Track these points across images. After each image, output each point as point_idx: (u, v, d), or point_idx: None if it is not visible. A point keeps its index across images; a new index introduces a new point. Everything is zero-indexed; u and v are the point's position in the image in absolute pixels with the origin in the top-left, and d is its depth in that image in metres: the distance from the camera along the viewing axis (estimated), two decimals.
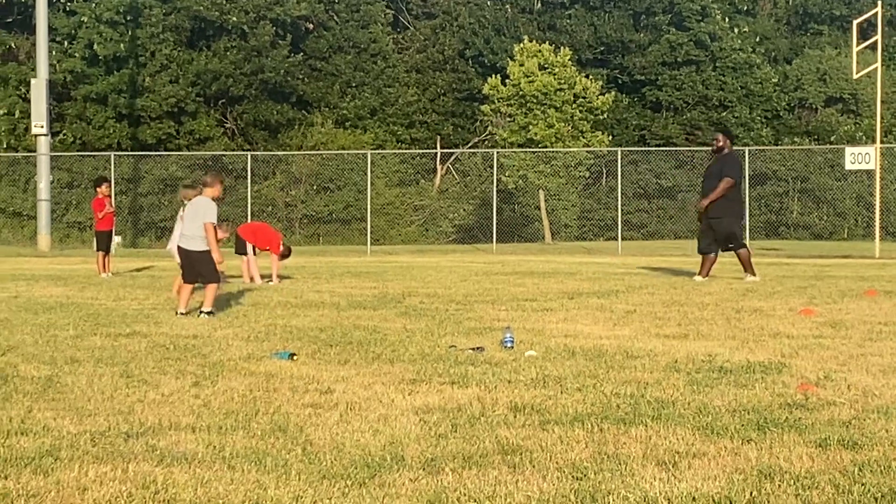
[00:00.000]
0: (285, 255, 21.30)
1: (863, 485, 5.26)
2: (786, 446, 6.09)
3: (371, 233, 42.49)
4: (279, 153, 55.46)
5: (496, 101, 51.82)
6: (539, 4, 66.96)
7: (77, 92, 57.31)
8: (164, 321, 13.11)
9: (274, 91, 60.02)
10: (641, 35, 65.05)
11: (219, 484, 5.33)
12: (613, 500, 5.06)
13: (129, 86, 56.88)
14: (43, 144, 41.44)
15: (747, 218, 34.69)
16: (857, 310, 14.23)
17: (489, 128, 55.60)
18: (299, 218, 55.53)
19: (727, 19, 64.91)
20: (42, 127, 40.62)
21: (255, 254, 20.79)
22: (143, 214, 53.49)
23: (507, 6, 66.68)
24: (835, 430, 6.51)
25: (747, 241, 26.10)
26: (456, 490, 5.21)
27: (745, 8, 69.81)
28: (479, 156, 56.78)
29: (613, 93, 56.60)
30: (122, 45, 56.75)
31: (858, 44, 35.92)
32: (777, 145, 58.66)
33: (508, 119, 51.82)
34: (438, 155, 60.23)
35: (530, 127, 50.27)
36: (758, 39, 66.94)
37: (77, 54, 57.07)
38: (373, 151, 49.55)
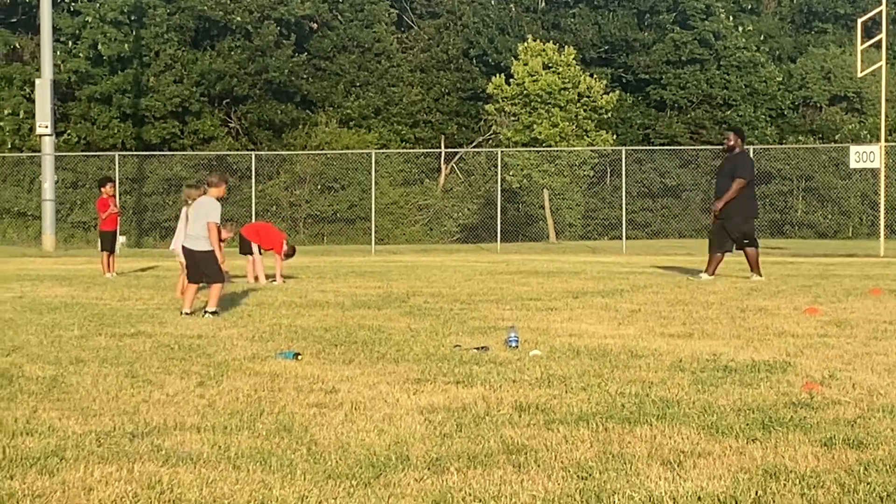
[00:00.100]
0: (289, 255, 21.30)
1: (868, 484, 5.26)
2: (791, 445, 6.09)
3: (375, 232, 42.51)
4: (283, 153, 55.47)
5: (500, 100, 51.80)
6: (543, 3, 66.94)
7: (81, 92, 57.34)
8: (168, 321, 13.12)
9: (278, 91, 60.03)
10: (646, 34, 65.01)
11: (224, 484, 5.33)
12: (618, 500, 5.06)
13: (133, 86, 56.90)
14: (47, 144, 41.45)
15: None
16: (861, 308, 14.22)
17: (493, 127, 55.55)
18: (303, 217, 55.54)
19: (731, 18, 64.88)
20: (46, 127, 40.63)
21: (260, 254, 20.79)
22: (147, 214, 53.51)
23: (512, 5, 66.67)
24: (840, 429, 6.51)
25: None
26: (461, 490, 5.21)
27: (750, 6, 69.76)
28: (483, 155, 56.77)
29: (617, 92, 56.57)
30: (126, 45, 56.77)
31: (863, 42, 35.87)
32: (781, 144, 58.63)
33: (512, 118, 51.80)
34: (442, 154, 60.23)
35: (534, 126, 50.24)
36: (762, 38, 66.90)
37: (81, 54, 57.11)
38: (377, 151, 49.53)
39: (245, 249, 21.00)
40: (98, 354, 9.98)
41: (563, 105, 50.26)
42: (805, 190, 55.92)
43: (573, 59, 51.63)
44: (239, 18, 59.26)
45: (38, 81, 41.69)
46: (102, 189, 24.75)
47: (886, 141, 36.47)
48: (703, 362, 9.25)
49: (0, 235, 51.86)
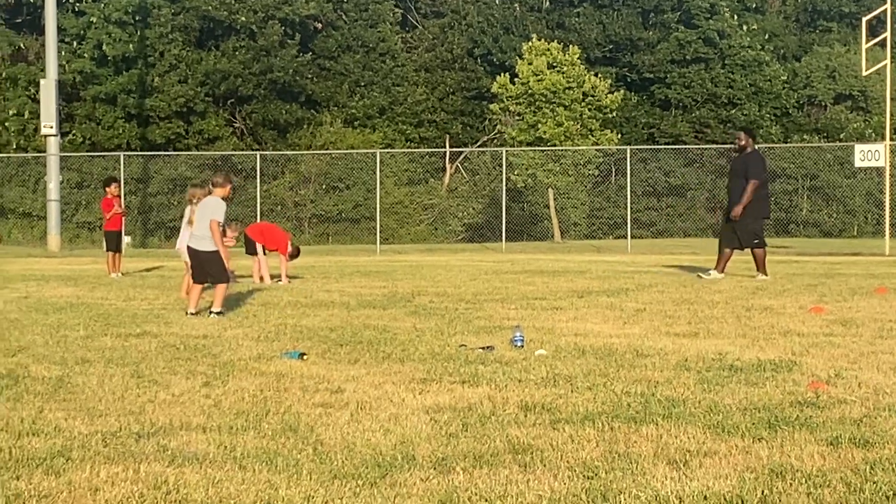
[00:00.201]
0: (293, 256, 21.30)
1: (874, 483, 5.25)
2: (797, 444, 6.09)
3: (380, 232, 42.50)
4: (288, 153, 55.47)
5: (505, 99, 51.77)
6: (548, 3, 66.91)
7: (86, 92, 57.39)
8: (174, 321, 13.13)
9: (283, 91, 60.04)
10: (650, 33, 64.96)
11: (230, 484, 5.33)
12: (624, 500, 5.06)
13: (138, 86, 56.94)
14: (52, 145, 41.48)
15: None
16: (867, 307, 14.21)
17: (498, 126, 55.54)
18: (308, 217, 55.56)
19: (736, 17, 64.77)
20: (51, 127, 40.66)
21: (264, 254, 20.80)
22: (152, 214, 53.53)
23: (516, 4, 66.63)
24: (846, 428, 6.50)
25: None
26: (467, 490, 5.21)
27: (754, 5, 69.64)
28: (488, 154, 56.74)
29: (622, 91, 56.54)
30: (130, 45, 56.81)
31: (867, 41, 35.84)
32: (786, 143, 58.54)
33: (517, 118, 51.77)
34: (447, 154, 60.21)
35: (539, 125, 50.21)
36: (767, 37, 66.79)
37: (86, 55, 57.16)
38: (382, 150, 49.53)
39: (250, 250, 21.02)
40: (104, 355, 9.99)
41: (567, 104, 50.23)
42: (810, 189, 55.88)
43: (578, 58, 51.58)
44: (243, 18, 59.27)
45: (42, 82, 41.74)
46: (107, 189, 24.75)
47: (891, 139, 36.45)
48: (708, 361, 9.25)
49: (6, 235, 51.92)
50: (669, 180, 54.55)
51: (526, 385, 8.13)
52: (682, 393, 7.73)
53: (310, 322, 12.81)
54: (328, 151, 55.68)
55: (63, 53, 52.69)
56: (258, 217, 41.38)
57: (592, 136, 50.76)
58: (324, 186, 56.15)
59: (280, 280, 20.34)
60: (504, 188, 44.01)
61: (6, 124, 55.53)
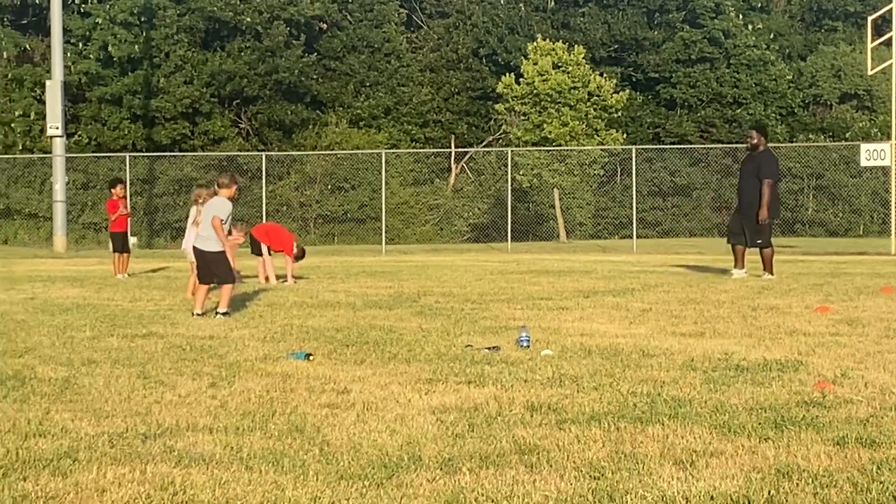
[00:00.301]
0: (299, 257, 21.31)
1: (881, 483, 5.25)
2: (803, 444, 6.08)
3: (386, 232, 42.52)
4: (294, 153, 55.51)
5: (510, 99, 51.78)
6: (553, 3, 66.89)
7: (92, 93, 57.46)
8: (180, 322, 13.13)
9: (288, 91, 60.08)
10: (655, 32, 64.95)
11: (237, 485, 5.34)
12: (631, 500, 5.06)
13: (143, 87, 57.02)
14: (58, 146, 41.52)
15: None
16: (873, 307, 14.20)
17: (503, 126, 55.53)
18: (314, 218, 55.59)
19: (741, 16, 64.77)
20: (57, 128, 40.70)
21: (270, 254, 20.80)
22: (158, 215, 53.60)
23: (521, 5, 66.64)
24: (852, 428, 6.50)
25: None
26: (473, 490, 5.22)
27: (759, 5, 69.61)
28: (493, 154, 56.75)
29: (627, 91, 56.56)
30: (136, 46, 56.89)
31: (873, 40, 35.81)
32: (792, 142, 58.51)
33: (522, 117, 51.77)
34: (453, 154, 60.22)
35: (544, 125, 50.22)
36: (772, 36, 66.74)
37: (92, 56, 57.24)
38: (387, 151, 49.54)
39: (256, 250, 21.03)
40: (110, 355, 9.99)
41: (573, 104, 50.22)
42: (816, 188, 55.82)
43: (583, 58, 51.59)
44: (248, 19, 59.34)
45: (48, 83, 41.78)
46: (113, 190, 24.76)
47: None
48: (714, 361, 9.25)
49: (12, 236, 51.98)
50: (675, 180, 54.52)
51: (532, 385, 8.13)
52: (688, 393, 7.73)
53: (316, 322, 12.81)
54: (333, 152, 55.73)
55: (69, 54, 52.78)
56: (264, 217, 41.39)
57: (598, 135, 50.75)
58: (329, 187, 56.18)
59: (286, 280, 20.35)
60: (509, 188, 44.00)
61: (12, 125, 55.61)
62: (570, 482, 5.36)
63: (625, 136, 53.58)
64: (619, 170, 54.10)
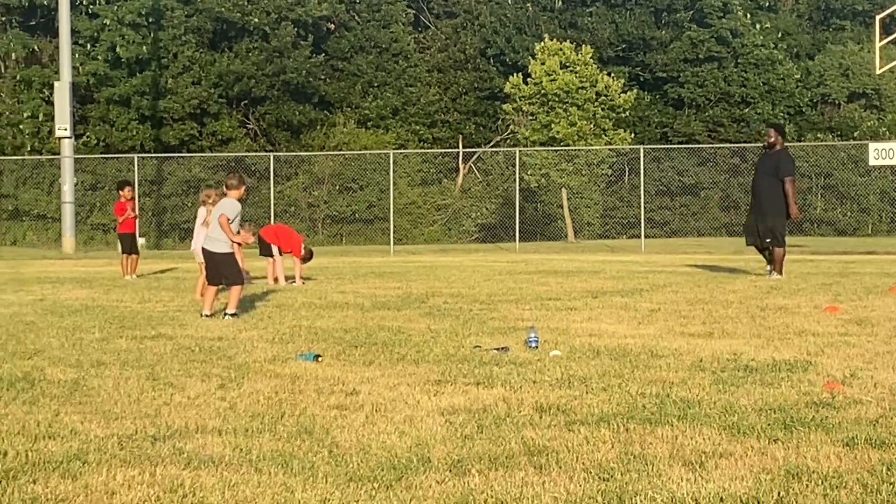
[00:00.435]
0: (306, 258, 21.33)
1: (891, 484, 5.24)
2: (813, 445, 6.08)
3: (394, 233, 42.52)
4: (302, 154, 55.55)
5: (518, 99, 51.77)
6: (560, 2, 66.87)
7: (100, 94, 57.54)
8: (188, 323, 13.14)
9: (296, 92, 60.12)
10: (663, 32, 64.91)
11: (246, 487, 5.34)
12: (640, 501, 5.05)
13: (151, 88, 57.10)
14: (66, 147, 41.58)
15: None
16: (882, 306, 14.18)
17: (511, 126, 55.54)
18: (322, 218, 55.62)
19: (749, 15, 64.69)
20: (66, 129, 40.77)
21: (280, 254, 20.81)
22: (166, 216, 53.67)
23: (529, 4, 66.63)
24: (862, 428, 6.49)
25: None
26: (483, 492, 5.22)
27: (767, 4, 69.51)
28: (501, 154, 56.74)
29: (635, 90, 56.52)
30: (144, 47, 56.97)
31: (881, 39, 35.78)
32: (800, 141, 58.41)
33: (530, 117, 51.77)
34: (460, 154, 60.24)
35: (552, 125, 50.20)
36: (780, 35, 66.66)
37: (100, 57, 57.32)
38: (395, 151, 49.55)
39: (265, 251, 21.04)
40: (119, 357, 10.01)
41: (580, 104, 50.21)
42: (824, 187, 55.73)
43: (590, 57, 51.57)
44: (256, 20, 59.39)
45: (56, 84, 41.87)
46: (121, 192, 24.74)
47: None
48: (723, 362, 9.24)
49: (21, 237, 52.07)
50: (683, 179, 54.47)
51: (541, 386, 8.13)
52: (697, 394, 7.72)
53: (324, 323, 12.82)
54: (341, 152, 55.76)
55: (77, 56, 52.84)
56: (272, 218, 41.42)
57: (605, 135, 50.73)
58: (337, 187, 56.22)
59: (294, 281, 20.37)
60: (517, 188, 43.99)
61: (21, 126, 55.70)
62: (580, 483, 5.36)
63: (633, 135, 53.58)
64: (626, 169, 54.08)
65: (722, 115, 62.65)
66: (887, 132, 55.02)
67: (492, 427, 6.69)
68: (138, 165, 44.52)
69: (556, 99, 50.21)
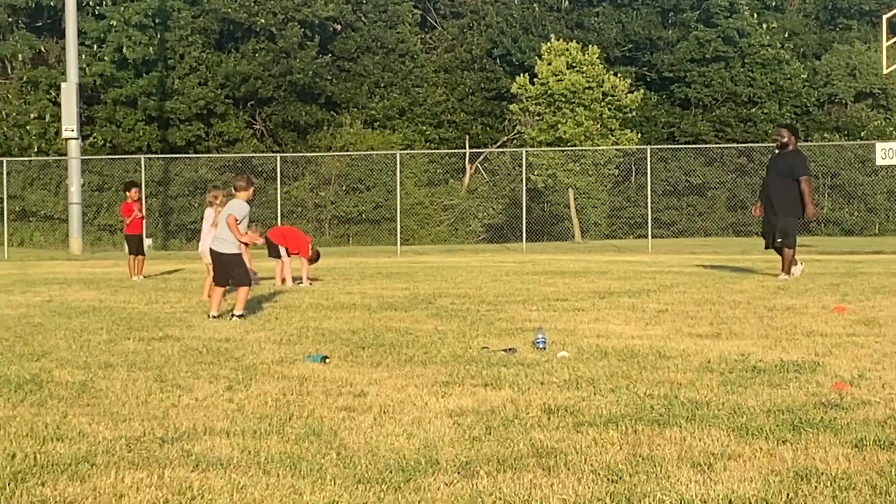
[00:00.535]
0: (314, 259, 21.32)
1: None
2: (821, 447, 6.07)
3: (401, 233, 42.55)
4: (308, 154, 55.60)
5: (524, 99, 51.79)
6: (567, 3, 66.89)
7: (107, 95, 57.64)
8: (196, 324, 13.14)
9: (302, 92, 60.17)
10: (670, 32, 64.91)
11: (254, 489, 5.34)
12: (649, 503, 5.05)
13: (158, 88, 57.17)
14: (73, 148, 41.62)
15: None
16: (890, 307, 14.15)
17: (518, 127, 55.56)
18: (329, 219, 55.66)
19: (755, 15, 64.66)
20: (72, 130, 40.82)
21: (288, 255, 20.81)
22: (173, 217, 53.72)
23: (535, 5, 66.64)
24: (871, 429, 6.48)
25: None
26: (491, 494, 5.21)
27: (774, 3, 69.47)
28: (507, 155, 56.76)
29: (642, 90, 56.53)
30: (150, 48, 57.04)
31: (888, 38, 35.71)
32: (807, 141, 58.33)
33: (537, 118, 51.78)
34: (467, 154, 60.24)
35: (559, 125, 50.22)
36: (786, 35, 66.62)
37: (106, 58, 57.40)
38: (402, 152, 49.63)
39: (273, 253, 21.05)
40: (127, 359, 10.00)
41: (587, 104, 50.21)
42: (831, 187, 55.71)
43: (597, 58, 51.59)
44: (263, 20, 59.46)
45: (63, 85, 41.92)
46: (127, 194, 24.74)
47: None
48: (731, 363, 9.23)
49: (28, 238, 52.13)
50: (690, 179, 54.47)
51: (549, 387, 8.12)
52: (705, 395, 7.71)
53: (332, 325, 12.81)
54: (348, 153, 55.81)
55: (83, 57, 52.91)
56: (279, 219, 41.47)
57: (612, 135, 50.74)
58: (344, 188, 56.26)
59: (301, 282, 20.37)
60: (524, 188, 44.02)
61: (27, 128, 55.80)
62: (588, 485, 5.35)
63: (639, 135, 53.57)
64: (633, 169, 54.07)
65: (729, 114, 62.63)
66: (894, 132, 54.95)
67: (500, 429, 6.69)
68: (145, 166, 44.61)
69: (563, 99, 50.22)
